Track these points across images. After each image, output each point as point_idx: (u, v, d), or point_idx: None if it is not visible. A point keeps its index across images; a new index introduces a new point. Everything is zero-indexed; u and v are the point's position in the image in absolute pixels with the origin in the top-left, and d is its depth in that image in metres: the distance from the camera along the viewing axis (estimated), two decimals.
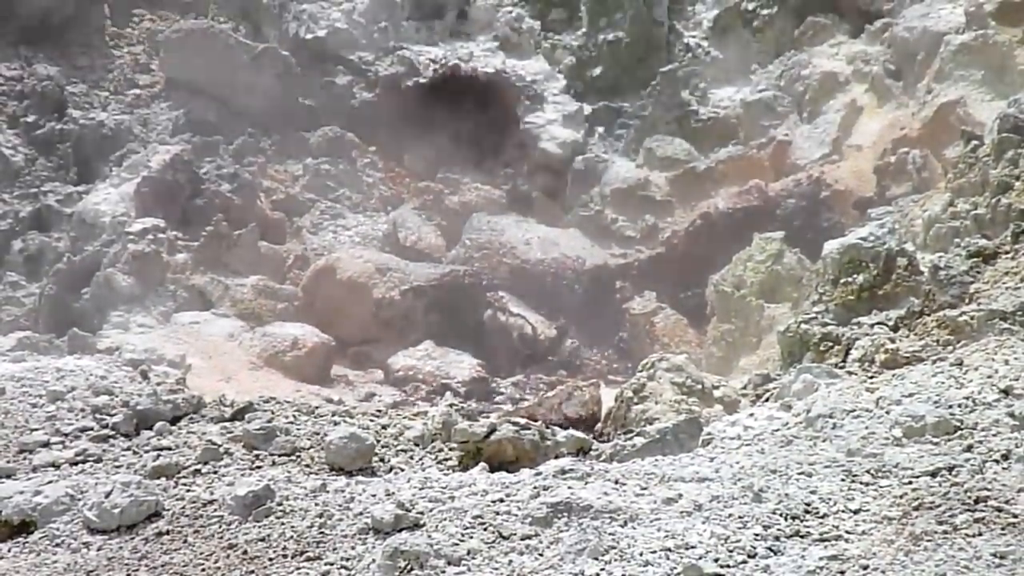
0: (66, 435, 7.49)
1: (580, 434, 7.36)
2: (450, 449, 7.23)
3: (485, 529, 5.39)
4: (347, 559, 5.33)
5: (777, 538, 4.95)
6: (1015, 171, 10.61)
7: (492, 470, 6.61)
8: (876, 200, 17.14)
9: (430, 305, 17.62)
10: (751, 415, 7.36)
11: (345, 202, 20.52)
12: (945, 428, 5.92)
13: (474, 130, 22.10)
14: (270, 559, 5.44)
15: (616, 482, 5.76)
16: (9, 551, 5.92)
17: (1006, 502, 5.03)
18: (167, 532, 5.87)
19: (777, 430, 6.69)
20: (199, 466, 6.81)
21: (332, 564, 5.30)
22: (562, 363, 17.74)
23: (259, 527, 5.77)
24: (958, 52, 18.16)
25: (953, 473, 5.37)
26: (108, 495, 6.06)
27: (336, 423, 7.68)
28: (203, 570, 5.45)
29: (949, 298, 8.91)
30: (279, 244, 18.95)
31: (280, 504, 5.96)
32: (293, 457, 7.01)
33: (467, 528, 5.41)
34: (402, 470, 6.89)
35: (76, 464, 7.01)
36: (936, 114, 17.63)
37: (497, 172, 21.87)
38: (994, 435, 5.77)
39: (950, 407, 6.20)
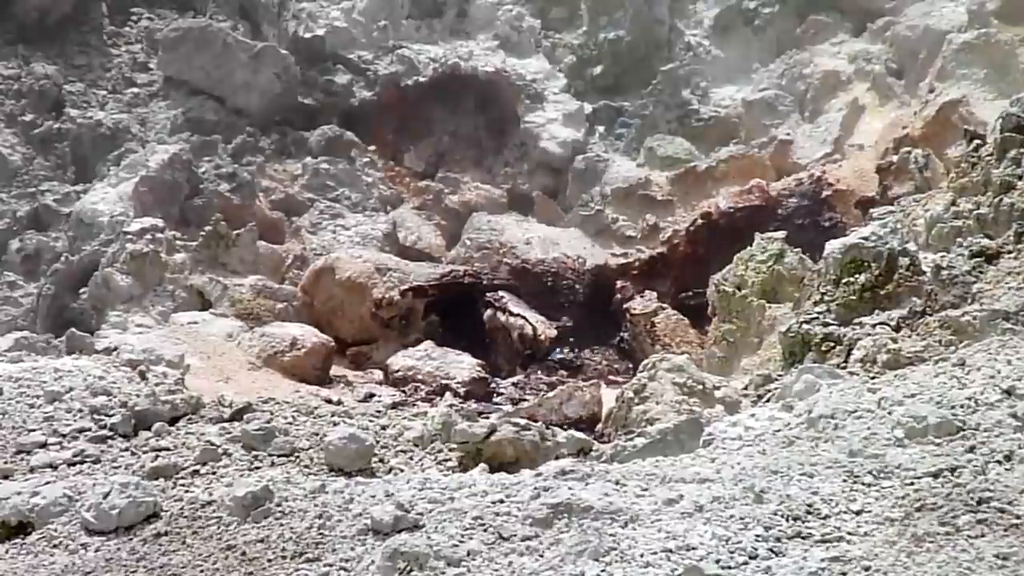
0: (64, 436, 7.48)
1: (581, 435, 7.37)
2: (450, 450, 7.22)
3: (485, 530, 5.36)
4: (346, 560, 5.30)
5: (779, 539, 4.93)
6: (1018, 170, 10.57)
7: (492, 471, 6.60)
8: (878, 199, 17.06)
9: (430, 305, 17.58)
10: (752, 415, 7.32)
11: (344, 202, 20.47)
12: (947, 429, 5.90)
13: (474, 129, 22.07)
14: (269, 560, 5.42)
15: (617, 483, 5.73)
16: (7, 552, 5.89)
17: (1009, 503, 5.01)
18: (165, 533, 5.84)
19: (778, 431, 6.66)
20: (198, 467, 6.80)
21: (331, 565, 5.27)
22: (562, 363, 17.69)
23: (258, 528, 5.74)
24: (960, 51, 18.13)
25: (955, 474, 5.35)
26: (106, 496, 6.03)
27: (335, 424, 7.68)
28: (201, 571, 5.42)
29: (951, 298, 8.89)
30: (278, 244, 18.89)
31: (279, 505, 5.93)
32: (292, 458, 6.99)
33: (467, 529, 5.38)
34: (402, 471, 6.88)
35: (74, 465, 7.00)
36: (938, 113, 17.58)
37: (497, 171, 21.83)
38: (997, 436, 5.75)
39: (952, 408, 6.17)
